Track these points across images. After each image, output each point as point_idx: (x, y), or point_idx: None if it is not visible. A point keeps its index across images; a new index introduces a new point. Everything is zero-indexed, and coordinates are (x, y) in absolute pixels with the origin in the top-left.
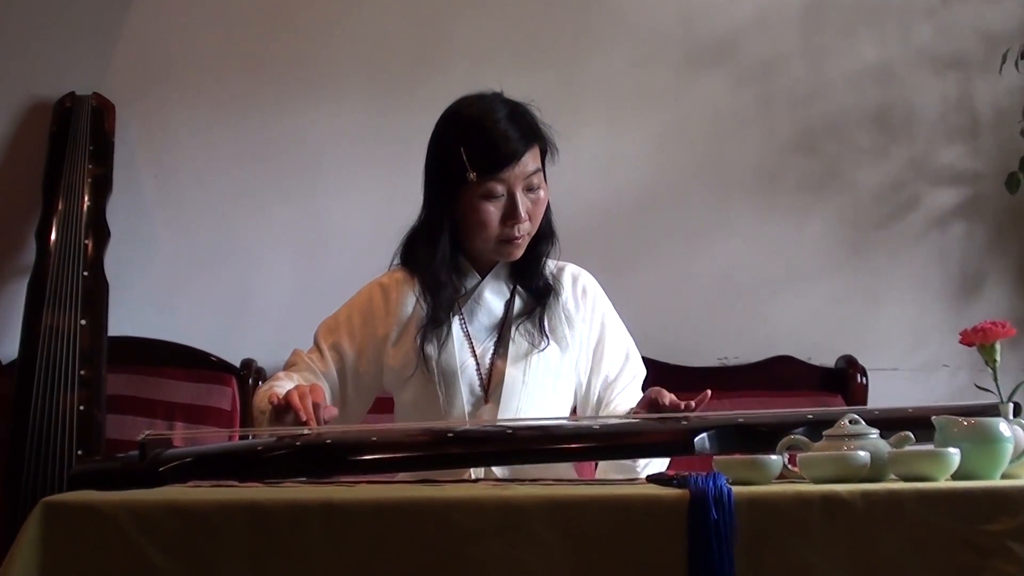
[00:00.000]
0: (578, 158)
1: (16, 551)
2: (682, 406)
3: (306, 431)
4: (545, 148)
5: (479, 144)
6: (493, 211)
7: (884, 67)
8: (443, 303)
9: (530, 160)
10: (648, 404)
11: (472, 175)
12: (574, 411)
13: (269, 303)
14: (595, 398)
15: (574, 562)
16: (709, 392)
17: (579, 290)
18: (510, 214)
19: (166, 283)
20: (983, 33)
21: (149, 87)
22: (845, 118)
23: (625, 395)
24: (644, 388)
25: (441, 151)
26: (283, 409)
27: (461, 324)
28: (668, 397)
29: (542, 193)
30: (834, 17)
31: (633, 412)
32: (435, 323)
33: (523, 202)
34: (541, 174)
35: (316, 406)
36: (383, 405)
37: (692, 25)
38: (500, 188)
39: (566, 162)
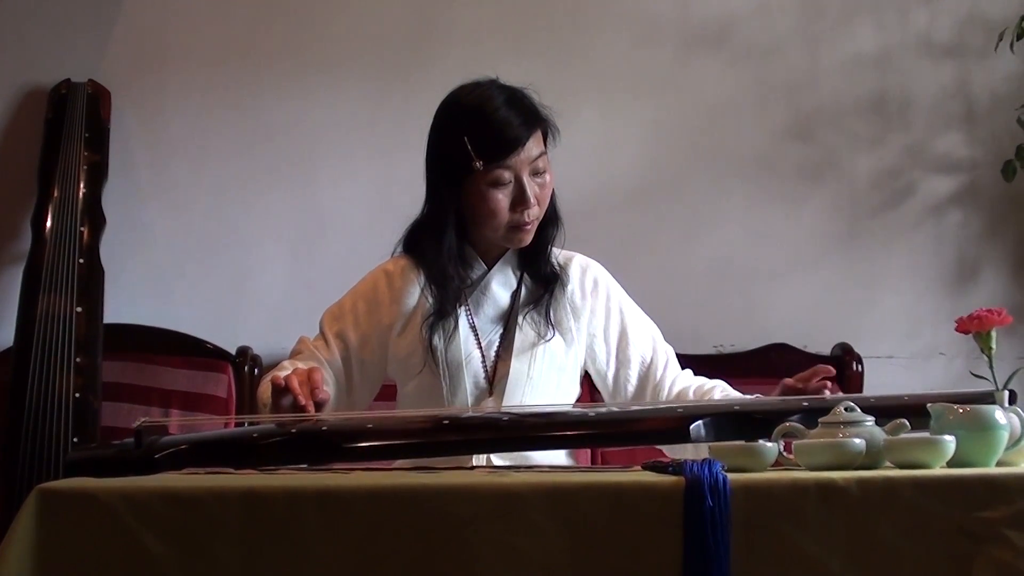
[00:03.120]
0: (573, 145)
1: (11, 538)
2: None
3: (301, 416)
4: (547, 131)
5: (482, 132)
6: (502, 198)
7: (881, 54)
8: (449, 296)
9: (534, 144)
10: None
11: (478, 164)
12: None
13: (265, 290)
14: (632, 386)
15: (570, 548)
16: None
17: (589, 282)
18: (519, 200)
19: (162, 270)
20: (980, 20)
21: (145, 74)
22: (842, 105)
23: (670, 373)
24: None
25: (443, 142)
26: (282, 391)
27: (467, 315)
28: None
29: (548, 177)
30: (831, 4)
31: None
32: (441, 316)
33: (531, 187)
34: (545, 157)
35: (314, 390)
36: (386, 393)
37: (688, 11)
38: (507, 175)
39: (561, 149)
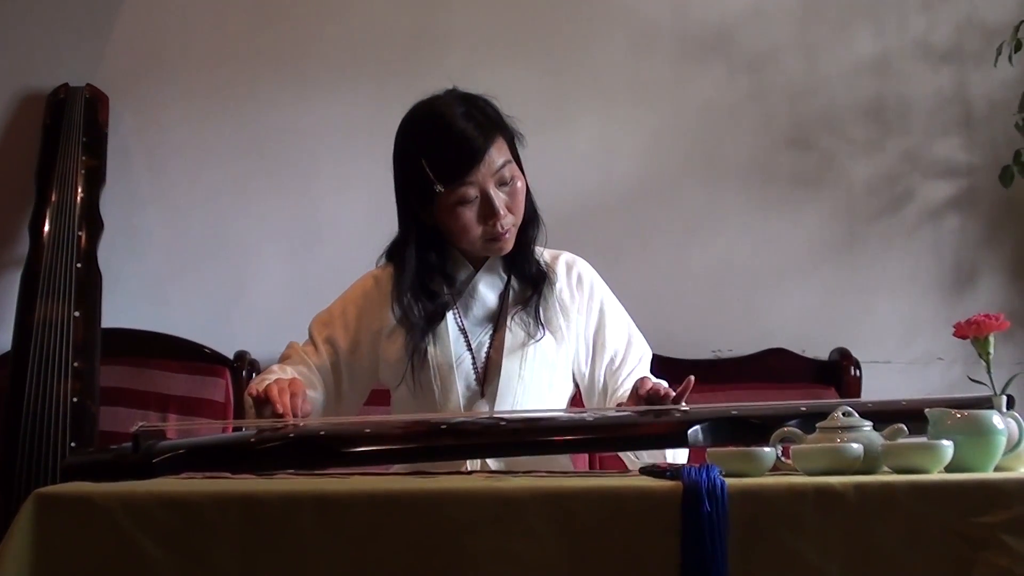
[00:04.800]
0: (572, 150)
1: (8, 542)
2: (664, 393)
3: (284, 423)
4: (511, 137)
5: (439, 152)
6: (470, 215)
7: (879, 60)
8: (431, 295)
9: (496, 154)
10: (634, 395)
11: (439, 187)
12: (572, 404)
13: (263, 295)
14: (601, 385)
15: (567, 553)
16: (692, 378)
17: (574, 279)
18: (488, 213)
19: (159, 275)
20: (978, 26)
21: (143, 78)
22: (840, 111)
23: (631, 380)
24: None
25: (404, 166)
26: (263, 402)
27: (456, 318)
28: (648, 385)
29: (518, 184)
30: (829, 10)
31: (619, 405)
32: (427, 312)
33: (498, 198)
34: (512, 164)
35: (294, 399)
36: (379, 398)
37: (687, 17)
38: (472, 191)
39: (560, 153)
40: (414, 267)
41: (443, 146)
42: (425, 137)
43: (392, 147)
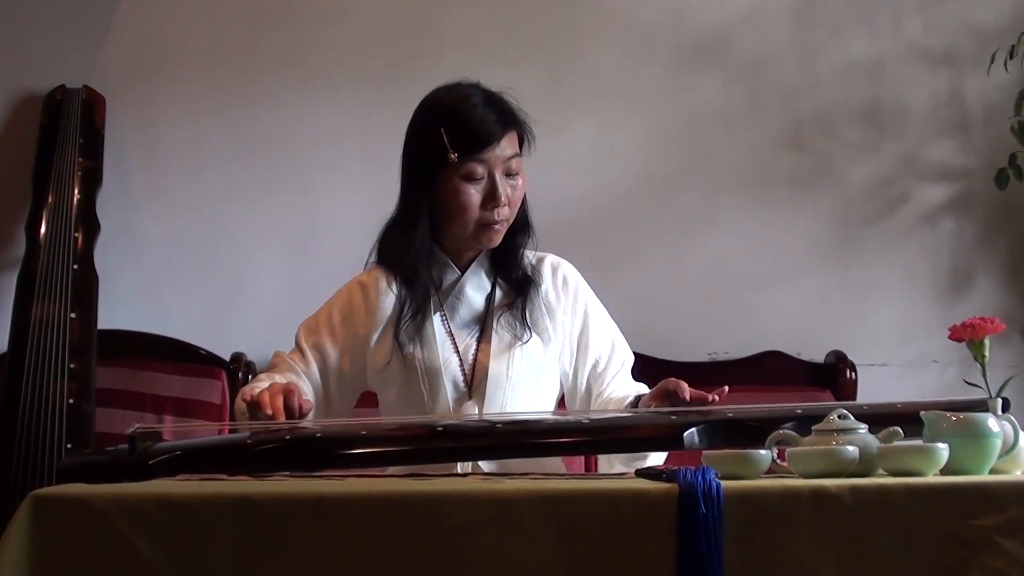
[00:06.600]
0: (568, 153)
1: (5, 544)
2: (709, 399)
3: (280, 425)
4: (523, 135)
5: (459, 125)
6: (474, 193)
7: (875, 63)
8: (420, 291)
9: (508, 144)
10: (664, 395)
11: (453, 155)
12: (560, 404)
13: (259, 297)
14: (584, 388)
15: (563, 555)
16: (726, 388)
17: (560, 280)
18: (490, 196)
19: (156, 276)
20: (973, 29)
21: (140, 80)
22: (835, 114)
23: (616, 383)
24: (634, 376)
25: (421, 136)
26: (255, 407)
27: (443, 321)
28: (690, 391)
29: (520, 180)
30: (824, 13)
31: (647, 404)
32: (414, 315)
33: (502, 185)
34: (520, 160)
35: (288, 399)
36: (370, 400)
37: (683, 21)
38: (480, 169)
39: (556, 157)
40: (427, 235)
41: (464, 121)
42: (449, 110)
43: (387, 149)
